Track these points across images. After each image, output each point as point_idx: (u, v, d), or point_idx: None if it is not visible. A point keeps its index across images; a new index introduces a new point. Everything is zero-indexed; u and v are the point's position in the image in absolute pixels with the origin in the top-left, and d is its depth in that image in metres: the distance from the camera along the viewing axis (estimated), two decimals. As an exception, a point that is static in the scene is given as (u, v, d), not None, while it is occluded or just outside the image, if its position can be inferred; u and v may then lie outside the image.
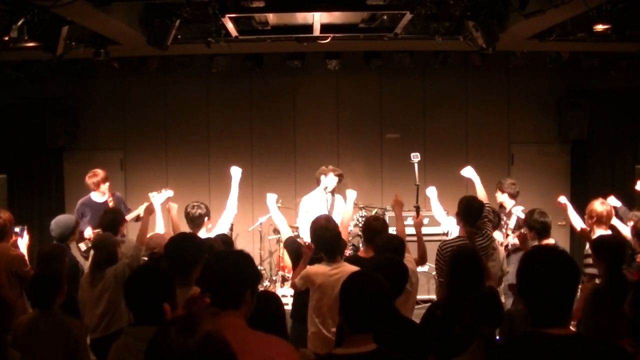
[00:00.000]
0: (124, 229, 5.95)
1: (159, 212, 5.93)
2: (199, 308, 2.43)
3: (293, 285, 4.64)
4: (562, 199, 6.36)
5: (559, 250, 2.45)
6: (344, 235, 5.32)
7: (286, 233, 5.33)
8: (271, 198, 5.59)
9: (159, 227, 5.88)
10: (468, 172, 6.08)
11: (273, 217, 5.60)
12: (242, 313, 2.55)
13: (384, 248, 4.44)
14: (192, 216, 5.46)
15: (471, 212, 5.12)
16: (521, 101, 9.55)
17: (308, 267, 4.56)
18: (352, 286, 2.73)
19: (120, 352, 2.80)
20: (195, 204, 5.53)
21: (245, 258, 2.66)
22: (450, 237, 5.55)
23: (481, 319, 3.15)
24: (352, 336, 2.65)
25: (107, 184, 7.17)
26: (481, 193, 5.73)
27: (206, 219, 5.51)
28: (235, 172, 5.90)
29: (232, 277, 2.55)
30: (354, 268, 4.39)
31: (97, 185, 7.11)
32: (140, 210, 6.79)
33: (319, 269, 4.48)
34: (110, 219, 5.65)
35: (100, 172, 7.13)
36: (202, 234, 5.43)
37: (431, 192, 6.06)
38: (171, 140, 9.54)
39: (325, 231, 4.55)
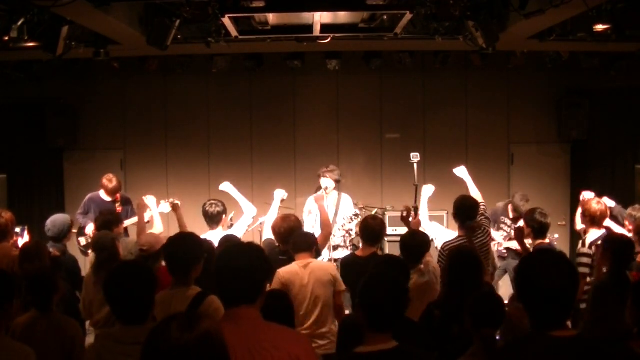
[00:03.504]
0: (121, 231, 5.94)
1: (157, 218, 5.98)
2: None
3: None
4: (587, 194, 6.21)
5: (556, 253, 2.45)
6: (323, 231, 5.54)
7: (267, 235, 5.49)
8: (279, 193, 5.93)
9: (157, 225, 5.91)
10: (461, 172, 6.07)
11: (270, 210, 5.81)
12: (258, 305, 2.55)
13: (407, 244, 4.60)
14: (211, 214, 5.58)
15: (465, 211, 5.14)
16: (521, 101, 9.54)
17: (279, 270, 4.63)
18: (374, 287, 2.74)
19: (99, 354, 2.78)
20: (213, 201, 5.67)
21: (257, 250, 2.66)
22: (437, 242, 5.55)
23: (482, 320, 3.14)
24: (374, 335, 2.65)
25: (118, 195, 7.28)
26: (474, 193, 5.74)
27: (224, 216, 5.66)
28: (226, 187, 6.10)
29: (249, 270, 2.53)
30: (323, 264, 4.82)
31: (107, 190, 7.20)
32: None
33: (288, 268, 4.64)
34: (104, 221, 5.65)
35: (114, 181, 7.28)
36: (219, 232, 5.57)
37: (427, 190, 5.96)
38: (171, 140, 9.54)
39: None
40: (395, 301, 2.69)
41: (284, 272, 4.59)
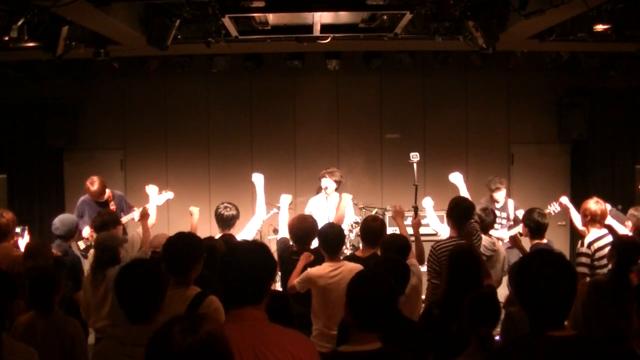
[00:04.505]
0: (120, 231, 5.94)
1: (153, 209, 5.99)
2: None
3: (292, 288, 4.67)
4: (564, 200, 6.39)
5: (555, 254, 2.42)
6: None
7: (282, 233, 5.48)
8: (285, 199, 5.85)
9: (152, 218, 5.93)
10: (455, 178, 6.08)
11: (280, 216, 5.77)
12: (263, 306, 2.50)
13: (388, 246, 4.53)
14: (226, 217, 5.57)
15: (460, 213, 5.12)
16: (521, 101, 9.55)
17: (309, 269, 4.61)
18: (361, 285, 2.68)
19: (103, 355, 2.78)
20: (228, 205, 5.65)
21: (263, 249, 2.59)
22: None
23: (478, 319, 3.15)
24: (359, 334, 2.60)
25: (106, 193, 7.18)
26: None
27: (237, 221, 5.63)
28: (257, 178, 6.06)
29: (255, 271, 2.47)
30: (354, 266, 4.50)
31: (90, 194, 7.11)
32: (134, 215, 6.83)
33: (319, 271, 4.56)
34: (102, 222, 5.64)
35: (96, 184, 7.08)
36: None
37: (427, 203, 6.01)
38: (171, 140, 9.54)
39: (329, 230, 4.71)
40: (383, 300, 2.62)
41: (311, 271, 4.59)
